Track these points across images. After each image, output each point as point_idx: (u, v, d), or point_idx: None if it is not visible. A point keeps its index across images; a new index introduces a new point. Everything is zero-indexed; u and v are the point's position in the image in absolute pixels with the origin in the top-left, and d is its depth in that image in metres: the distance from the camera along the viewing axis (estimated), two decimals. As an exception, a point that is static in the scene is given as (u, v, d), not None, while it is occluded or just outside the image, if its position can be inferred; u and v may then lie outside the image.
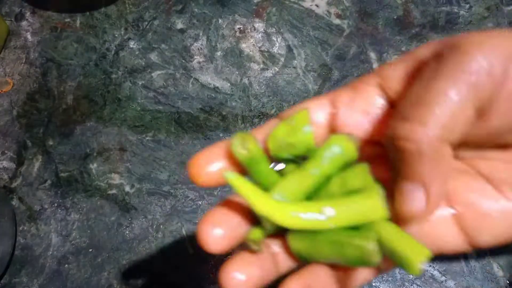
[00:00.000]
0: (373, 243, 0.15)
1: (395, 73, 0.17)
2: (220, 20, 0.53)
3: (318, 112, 0.18)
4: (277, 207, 0.15)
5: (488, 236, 0.16)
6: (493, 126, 0.15)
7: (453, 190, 0.17)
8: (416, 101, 0.15)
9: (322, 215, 0.15)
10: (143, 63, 0.50)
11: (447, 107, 0.14)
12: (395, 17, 0.53)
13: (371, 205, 0.15)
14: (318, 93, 0.48)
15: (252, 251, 0.17)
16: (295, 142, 0.17)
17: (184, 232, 0.43)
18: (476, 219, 0.16)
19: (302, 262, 0.17)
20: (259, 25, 0.52)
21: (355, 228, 0.15)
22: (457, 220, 0.17)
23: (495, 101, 0.15)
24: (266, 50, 0.51)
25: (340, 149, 0.16)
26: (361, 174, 0.16)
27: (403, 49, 0.51)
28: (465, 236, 0.17)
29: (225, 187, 0.44)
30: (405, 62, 0.17)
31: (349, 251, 0.15)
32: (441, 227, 0.17)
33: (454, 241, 0.17)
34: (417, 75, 0.16)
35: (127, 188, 0.44)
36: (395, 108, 0.17)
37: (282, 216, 0.15)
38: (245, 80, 0.49)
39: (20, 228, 0.43)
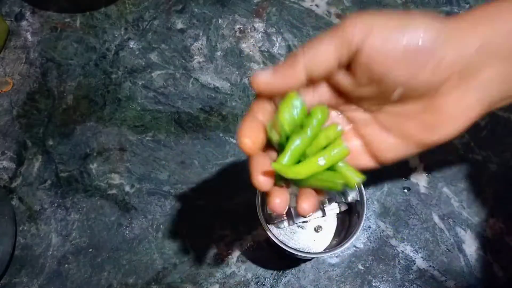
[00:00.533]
0: (357, 176, 0.25)
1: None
2: (220, 20, 0.53)
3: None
4: (294, 169, 0.24)
5: (385, 158, 0.27)
6: (358, 78, 0.24)
7: (363, 133, 0.27)
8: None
9: (319, 163, 0.25)
10: (143, 63, 0.50)
11: (317, 45, 0.23)
12: (395, 17, 0.53)
13: (341, 148, 0.25)
14: (318, 93, 0.48)
15: (279, 187, 0.26)
16: (304, 123, 0.25)
17: (184, 232, 0.43)
18: (378, 147, 0.27)
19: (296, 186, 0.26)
20: (259, 25, 0.52)
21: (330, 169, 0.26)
22: (367, 148, 0.27)
23: (356, 60, 0.23)
24: (266, 50, 0.51)
25: (321, 115, 0.25)
26: (333, 130, 0.26)
27: (403, 49, 0.51)
28: (373, 159, 0.27)
29: (226, 185, 0.44)
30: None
31: (339, 181, 0.25)
32: (357, 154, 0.27)
33: (366, 162, 0.27)
34: None
35: (127, 188, 0.44)
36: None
37: (298, 173, 0.24)
38: (245, 80, 0.49)
39: (20, 228, 0.43)
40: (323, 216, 0.40)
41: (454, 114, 0.24)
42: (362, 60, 0.23)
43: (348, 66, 0.24)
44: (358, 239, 0.42)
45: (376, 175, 0.44)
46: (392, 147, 0.27)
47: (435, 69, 0.23)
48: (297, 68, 0.24)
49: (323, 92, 0.27)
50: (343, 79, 0.25)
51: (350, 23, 0.23)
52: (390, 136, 0.26)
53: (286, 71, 0.24)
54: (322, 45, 0.23)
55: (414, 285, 0.40)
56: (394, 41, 0.22)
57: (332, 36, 0.23)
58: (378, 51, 0.22)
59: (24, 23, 0.53)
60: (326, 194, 0.37)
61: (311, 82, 0.25)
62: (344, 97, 0.27)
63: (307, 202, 0.25)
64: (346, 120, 0.28)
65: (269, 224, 0.41)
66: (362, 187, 0.37)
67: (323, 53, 0.23)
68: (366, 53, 0.23)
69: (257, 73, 0.24)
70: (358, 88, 0.25)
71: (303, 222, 0.41)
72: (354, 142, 0.28)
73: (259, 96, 0.26)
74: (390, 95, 0.25)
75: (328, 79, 0.26)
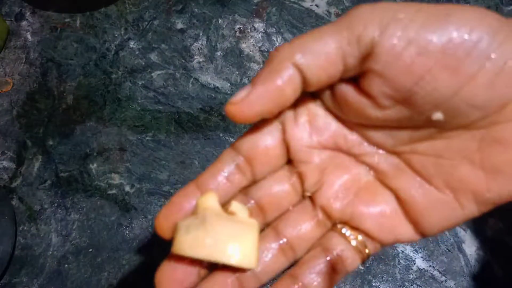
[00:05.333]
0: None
1: None
2: (220, 20, 0.53)
3: (272, 132, 0.20)
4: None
5: (430, 225, 0.18)
6: (375, 97, 0.17)
7: (395, 186, 0.19)
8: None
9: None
10: (143, 63, 0.50)
11: (313, 40, 0.17)
12: (395, 17, 0.53)
13: None
14: (318, 93, 0.48)
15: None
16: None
17: (184, 232, 0.43)
18: (418, 211, 0.18)
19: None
20: (259, 25, 0.52)
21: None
22: (406, 213, 0.19)
23: (369, 70, 0.16)
24: (266, 50, 0.51)
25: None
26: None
27: (403, 49, 0.51)
28: (414, 226, 0.19)
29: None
30: None
31: None
32: (395, 221, 0.19)
33: (407, 232, 0.19)
34: None
35: (127, 188, 0.44)
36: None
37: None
38: (245, 80, 0.49)
39: (20, 228, 0.43)
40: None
41: None
42: (377, 68, 0.16)
43: (360, 81, 0.17)
44: (358, 239, 0.42)
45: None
46: (438, 207, 0.18)
47: (494, 80, 0.15)
48: (285, 73, 0.17)
49: (325, 127, 0.19)
50: (354, 100, 0.17)
51: (357, 14, 0.16)
52: (433, 189, 0.18)
53: (271, 80, 0.17)
54: (320, 40, 0.17)
55: (414, 285, 0.40)
56: (426, 40, 0.15)
57: (333, 30, 0.17)
58: (401, 54, 0.15)
59: (24, 23, 0.53)
60: None
61: (305, 92, 0.18)
62: (357, 131, 0.19)
63: None
64: (365, 168, 0.20)
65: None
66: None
67: (322, 50, 0.16)
68: (383, 58, 0.16)
69: (232, 97, 0.17)
70: (376, 112, 0.17)
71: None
72: (385, 201, 0.19)
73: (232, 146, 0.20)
74: (425, 123, 0.17)
75: (332, 108, 0.19)
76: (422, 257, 0.41)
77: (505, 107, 0.16)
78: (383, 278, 0.41)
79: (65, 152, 0.46)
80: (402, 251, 0.42)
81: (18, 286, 0.41)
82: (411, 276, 0.41)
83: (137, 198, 0.44)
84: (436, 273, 0.41)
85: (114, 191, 0.44)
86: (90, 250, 0.42)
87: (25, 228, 0.43)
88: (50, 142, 0.47)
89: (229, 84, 0.49)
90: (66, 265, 0.42)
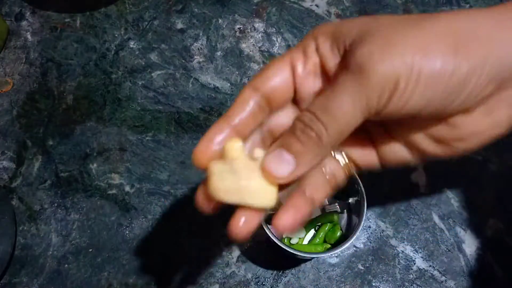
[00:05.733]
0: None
1: (326, 45, 0.22)
2: (220, 20, 0.53)
3: (284, 72, 0.23)
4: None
5: (389, 162, 0.26)
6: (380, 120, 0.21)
7: (369, 130, 0.25)
8: (325, 106, 0.20)
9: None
10: (143, 63, 0.50)
11: (343, 119, 0.20)
12: (395, 17, 0.53)
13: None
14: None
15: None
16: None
17: (184, 232, 0.43)
18: (382, 148, 0.25)
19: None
20: (259, 25, 0.52)
21: None
22: (373, 145, 0.26)
23: (388, 106, 0.19)
24: (266, 50, 0.51)
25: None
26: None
27: (403, 49, 0.51)
28: (379, 159, 0.26)
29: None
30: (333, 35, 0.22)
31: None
32: (370, 155, 0.26)
33: (374, 161, 0.26)
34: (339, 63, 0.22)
35: (127, 188, 0.44)
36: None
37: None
38: (245, 80, 0.49)
39: (20, 228, 0.43)
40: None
41: (476, 131, 0.21)
42: (387, 112, 0.19)
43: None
44: (358, 239, 0.42)
45: (376, 175, 0.44)
46: (397, 153, 0.25)
47: (472, 91, 0.19)
48: (324, 148, 0.21)
49: (327, 75, 0.24)
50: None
51: (375, 78, 0.18)
52: (396, 143, 0.24)
53: (309, 163, 0.21)
54: (342, 105, 0.19)
55: (414, 285, 0.40)
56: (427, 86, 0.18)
57: (352, 93, 0.19)
58: (413, 96, 0.19)
59: (24, 23, 0.53)
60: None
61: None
62: None
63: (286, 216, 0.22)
64: None
65: (269, 224, 0.41)
66: (362, 187, 0.37)
67: (346, 118, 0.20)
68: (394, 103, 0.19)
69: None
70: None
71: (303, 222, 0.41)
72: (365, 143, 0.25)
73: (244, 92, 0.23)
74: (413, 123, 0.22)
75: None
76: (422, 257, 0.41)
77: (475, 105, 0.20)
78: (383, 278, 0.41)
79: (65, 152, 0.46)
80: (402, 251, 0.42)
81: (18, 286, 0.41)
82: (411, 276, 0.41)
83: (137, 198, 0.44)
84: (436, 273, 0.41)
85: (114, 191, 0.44)
86: (90, 250, 0.42)
87: (25, 228, 0.43)
88: (50, 142, 0.47)
89: (229, 84, 0.49)
90: (66, 265, 0.42)
